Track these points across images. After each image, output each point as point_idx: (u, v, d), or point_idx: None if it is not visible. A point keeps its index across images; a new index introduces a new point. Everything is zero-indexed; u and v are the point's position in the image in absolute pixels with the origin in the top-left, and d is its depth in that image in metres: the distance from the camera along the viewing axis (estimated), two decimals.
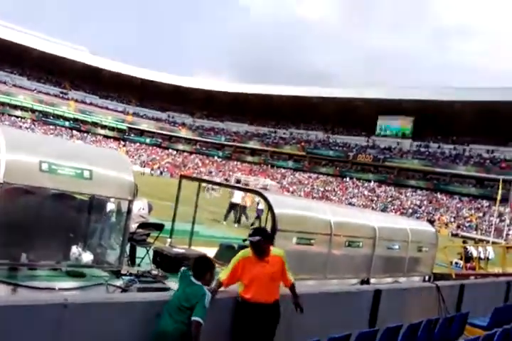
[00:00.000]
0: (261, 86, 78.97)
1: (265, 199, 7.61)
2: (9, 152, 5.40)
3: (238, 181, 22.94)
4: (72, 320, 3.88)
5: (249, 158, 79.50)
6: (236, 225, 18.87)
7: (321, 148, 75.52)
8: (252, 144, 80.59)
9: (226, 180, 56.46)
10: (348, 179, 68.50)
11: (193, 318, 4.22)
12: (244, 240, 5.15)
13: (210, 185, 30.10)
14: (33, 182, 5.68)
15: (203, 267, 4.67)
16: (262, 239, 4.90)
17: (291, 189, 66.31)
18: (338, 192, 65.18)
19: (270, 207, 7.39)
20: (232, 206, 19.35)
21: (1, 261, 5.50)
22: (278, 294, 5.01)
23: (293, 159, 76.59)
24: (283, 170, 74.42)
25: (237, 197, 18.99)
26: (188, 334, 4.20)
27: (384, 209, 54.88)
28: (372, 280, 9.15)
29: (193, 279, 4.55)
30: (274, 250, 5.10)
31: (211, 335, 4.52)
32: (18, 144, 5.73)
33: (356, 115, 70.92)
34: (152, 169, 66.54)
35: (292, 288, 5.16)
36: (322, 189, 66.31)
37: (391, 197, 61.86)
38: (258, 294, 4.88)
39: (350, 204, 55.78)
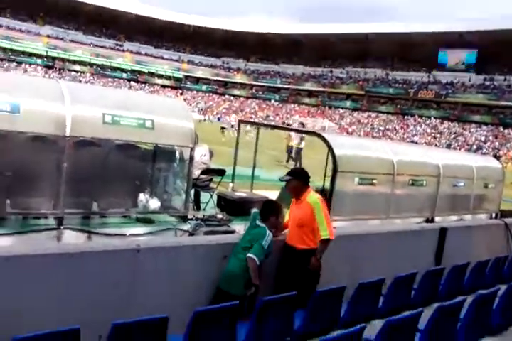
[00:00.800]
0: (315, 25, 76.45)
1: (324, 140, 7.52)
2: (73, 106, 5.54)
3: (302, 124, 22.46)
4: (144, 263, 4.12)
5: (306, 100, 78.36)
6: (287, 164, 18.86)
7: (380, 85, 73.19)
8: (309, 86, 79.10)
9: (283, 123, 56.50)
10: (409, 117, 66.56)
11: (247, 255, 4.43)
12: (280, 179, 5.10)
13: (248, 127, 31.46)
14: (97, 134, 5.84)
15: (267, 210, 4.80)
16: (292, 179, 4.88)
17: (350, 129, 65.32)
18: (400, 130, 63.66)
19: (330, 149, 7.31)
20: (291, 149, 19.36)
21: (74, 211, 5.79)
22: (307, 242, 4.79)
23: (351, 99, 74.87)
24: (341, 111, 73.10)
25: (296, 140, 18.96)
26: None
27: (448, 147, 53.33)
28: (436, 219, 9.03)
29: (258, 221, 4.71)
30: (310, 196, 4.89)
31: (270, 276, 4.67)
32: (81, 98, 5.83)
33: (416, 50, 67.58)
34: (208, 115, 66.80)
35: (321, 243, 4.76)
36: (382, 128, 64.94)
37: (455, 133, 59.88)
38: (288, 237, 4.93)
39: (412, 142, 54.50)
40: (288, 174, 4.94)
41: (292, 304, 3.81)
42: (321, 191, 7.93)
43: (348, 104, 74.41)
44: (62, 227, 5.50)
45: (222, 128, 37.11)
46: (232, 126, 38.78)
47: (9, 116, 5.21)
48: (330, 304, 4.11)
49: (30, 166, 5.55)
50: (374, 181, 7.96)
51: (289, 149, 19.50)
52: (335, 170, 7.05)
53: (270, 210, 4.78)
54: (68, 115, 5.47)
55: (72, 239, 5.45)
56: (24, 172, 5.50)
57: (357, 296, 4.29)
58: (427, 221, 8.85)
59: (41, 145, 5.70)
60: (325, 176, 8.49)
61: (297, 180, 4.88)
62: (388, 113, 69.19)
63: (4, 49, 69.25)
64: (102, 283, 3.95)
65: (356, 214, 7.38)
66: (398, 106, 69.31)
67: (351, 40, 71.40)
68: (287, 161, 19.22)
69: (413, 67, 71.90)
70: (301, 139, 18.88)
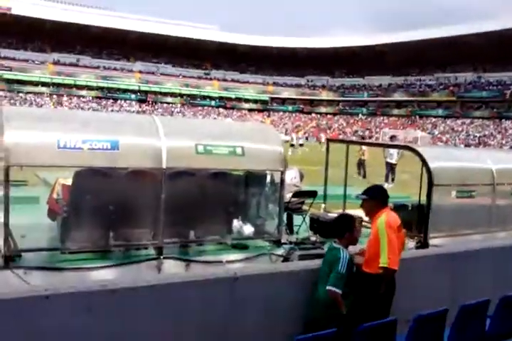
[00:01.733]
0: (397, 34, 74.65)
1: (417, 153, 7.31)
2: (168, 139, 5.85)
3: (394, 137, 21.29)
4: (241, 291, 4.23)
5: (396, 111, 76.47)
6: (390, 185, 17.94)
7: (473, 90, 69.97)
8: (397, 96, 77.17)
9: (370, 137, 55.49)
10: (506, 120, 62.89)
11: (327, 287, 4.23)
12: (356, 197, 4.88)
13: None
14: (191, 164, 6.14)
15: (340, 227, 4.53)
16: (367, 198, 4.64)
17: (444, 138, 62.77)
18: (497, 135, 60.24)
19: (424, 162, 7.10)
20: (389, 165, 18.12)
21: (173, 240, 6.08)
22: (373, 267, 4.44)
23: (442, 106, 72.13)
24: (433, 119, 70.53)
25: (394, 155, 17.70)
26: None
27: None
28: None
29: (333, 243, 4.50)
30: (381, 217, 4.53)
31: None
32: (174, 131, 6.18)
33: (509, 48, 63.68)
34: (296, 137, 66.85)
35: (381, 273, 4.37)
36: (478, 134, 61.79)
37: None
38: (364, 259, 4.62)
39: (511, 148, 51.38)
40: (364, 192, 4.73)
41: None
42: (418, 207, 7.72)
43: (440, 111, 71.74)
44: (162, 257, 5.77)
45: (292, 145, 36.84)
46: (301, 145, 41.07)
47: (109, 153, 5.57)
48: (431, 329, 3.90)
49: (130, 199, 5.87)
50: (473, 193, 7.63)
51: (360, 162, 18.87)
52: (430, 184, 6.84)
53: (344, 226, 4.52)
54: (163, 148, 5.78)
55: (172, 268, 5.70)
56: (125, 206, 5.82)
57: (461, 320, 4.06)
58: None
59: (140, 179, 6.03)
60: (420, 190, 8.27)
61: (372, 200, 4.65)
62: (483, 118, 65.81)
63: (102, 88, 74.01)
64: (202, 311, 4.08)
65: (456, 230, 7.09)
66: (494, 110, 65.80)
67: (437, 44, 68.73)
68: (386, 180, 18.13)
69: (507, 66, 67.92)
70: (399, 154, 17.91)
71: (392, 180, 18.15)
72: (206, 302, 4.09)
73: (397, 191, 13.63)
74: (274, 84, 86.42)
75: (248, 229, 6.59)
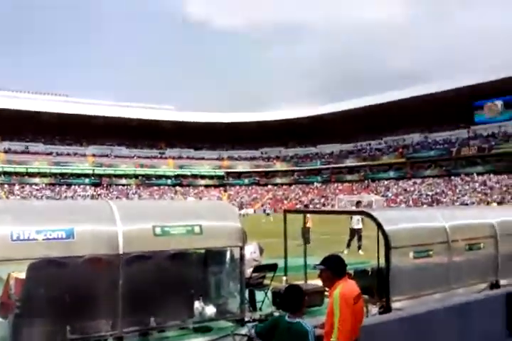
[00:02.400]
0: (344, 102, 77.98)
1: (372, 218, 7.45)
2: (124, 223, 5.85)
3: (360, 202, 21.13)
4: None
5: (349, 177, 78.40)
6: (361, 252, 17.22)
7: (421, 150, 72.91)
8: (349, 162, 79.48)
9: (323, 205, 56.71)
10: (455, 177, 65.32)
11: None
12: (314, 267, 4.76)
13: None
14: (149, 247, 6.09)
15: (298, 297, 4.28)
16: (324, 268, 4.49)
17: (397, 199, 64.29)
18: (448, 192, 62.22)
19: (379, 226, 7.24)
20: (353, 232, 17.76)
21: (133, 328, 5.87)
22: (332, 337, 4.19)
23: (393, 168, 74.52)
24: (385, 182, 72.49)
25: (356, 221, 17.46)
26: None
27: (501, 202, 51.35)
28: (502, 282, 8.64)
29: (287, 318, 4.18)
30: (337, 288, 4.36)
31: None
32: (130, 214, 6.18)
33: (450, 107, 66.91)
34: (254, 210, 67.35)
35: None
36: (430, 193, 63.64)
37: (505, 186, 57.96)
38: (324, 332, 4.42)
39: (462, 204, 52.95)
40: (321, 262, 4.55)
41: None
42: (377, 271, 7.78)
43: (392, 173, 74.00)
44: None
45: (268, 214, 50.40)
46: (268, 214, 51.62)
47: (65, 242, 5.50)
48: None
49: (87, 289, 5.73)
50: (430, 252, 7.77)
51: (352, 232, 18.35)
52: (388, 247, 6.96)
53: (299, 298, 4.27)
54: (120, 233, 5.76)
55: None
56: (82, 296, 5.66)
57: None
58: (492, 286, 8.45)
59: (96, 266, 5.92)
60: (378, 254, 8.40)
61: (328, 270, 4.48)
62: (434, 176, 68.15)
63: (56, 174, 73.30)
64: None
65: (417, 291, 7.16)
66: (443, 168, 68.35)
67: (382, 109, 71.69)
68: (347, 246, 17.79)
69: (451, 125, 71.27)
70: (360, 220, 17.79)
71: (359, 247, 17.77)
72: None
73: (358, 256, 13.75)
74: (229, 158, 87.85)
75: (210, 310, 6.48)
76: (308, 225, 17.84)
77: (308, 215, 17.71)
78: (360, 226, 17.69)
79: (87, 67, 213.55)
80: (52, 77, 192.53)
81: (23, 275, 5.95)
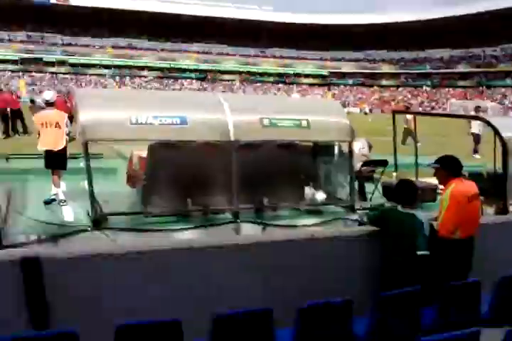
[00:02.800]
0: (455, 8, 70.62)
1: (488, 123, 7.02)
2: (233, 114, 6.03)
3: (478, 108, 19.92)
4: (320, 249, 4.31)
5: (461, 83, 73.42)
6: (477, 156, 16.97)
7: None
8: (461, 68, 74.06)
9: (432, 108, 54.63)
10: None
11: (420, 253, 4.10)
12: (428, 165, 4.74)
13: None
14: (258, 137, 6.25)
15: (411, 190, 4.38)
16: (439, 167, 4.54)
17: None
18: None
19: (496, 132, 6.81)
20: (474, 136, 17.11)
21: (248, 206, 6.29)
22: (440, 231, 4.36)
23: (511, 76, 68.59)
24: (502, 90, 67.28)
25: (475, 127, 16.77)
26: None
27: None
28: None
29: (401, 209, 4.28)
30: (449, 187, 4.41)
31: None
32: (239, 106, 6.35)
33: None
34: (361, 109, 65.84)
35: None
36: None
37: None
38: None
39: None
40: (436, 161, 4.60)
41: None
42: (494, 175, 7.53)
43: (509, 81, 68.20)
44: (239, 221, 5.97)
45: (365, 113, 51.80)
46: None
47: (179, 128, 5.75)
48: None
49: (204, 169, 6.13)
50: None
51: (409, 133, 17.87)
52: (505, 154, 6.59)
53: (413, 190, 4.41)
54: (230, 122, 5.96)
55: (249, 231, 5.92)
56: (199, 175, 6.10)
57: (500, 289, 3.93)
58: None
59: (210, 151, 6.21)
60: (495, 159, 7.97)
61: (443, 169, 4.54)
62: None
63: (162, 69, 75.40)
64: (282, 269, 4.17)
65: None
66: None
67: (500, 16, 64.45)
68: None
69: None
70: (481, 125, 16.99)
71: (475, 151, 17.29)
72: (285, 261, 4.17)
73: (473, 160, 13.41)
74: (332, 59, 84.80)
75: (320, 196, 6.71)
76: (407, 126, 17.37)
77: (408, 117, 17.12)
78: (478, 131, 17.05)
79: None
80: None
81: (144, 154, 6.50)
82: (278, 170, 6.49)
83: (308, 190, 6.68)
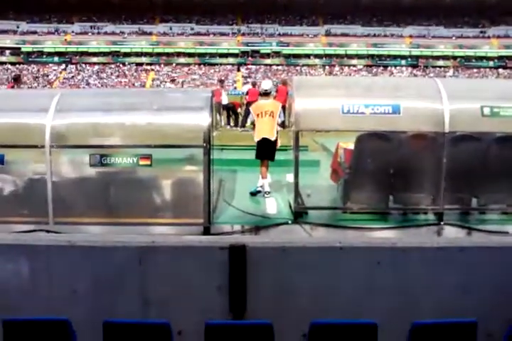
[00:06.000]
0: None
1: None
2: (451, 102, 5.73)
3: None
4: None
5: None
6: None
7: None
8: None
9: None
10: None
11: None
12: None
13: None
14: (476, 128, 5.88)
15: None
16: None
17: None
18: None
19: None
20: None
21: (454, 206, 5.96)
22: None
23: None
24: None
25: None
26: None
27: None
28: None
29: None
30: None
31: None
32: (457, 93, 6.02)
33: None
34: None
35: None
36: None
37: None
38: None
39: None
40: None
41: None
42: None
43: None
44: (442, 223, 5.69)
45: None
46: None
47: (391, 117, 5.68)
48: None
49: (411, 163, 5.96)
50: None
51: None
52: None
53: None
54: (446, 111, 5.67)
55: (452, 234, 5.63)
56: (405, 170, 5.94)
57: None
58: None
59: (421, 143, 6.03)
60: None
61: None
62: None
63: (373, 56, 74.27)
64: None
65: None
66: None
67: None
68: None
69: None
70: None
71: None
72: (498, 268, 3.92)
73: None
74: None
75: None
76: None
77: None
78: None
79: None
80: None
81: (350, 146, 6.45)
82: (493, 167, 6.04)
83: None
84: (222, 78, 38.32)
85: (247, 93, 16.67)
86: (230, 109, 17.54)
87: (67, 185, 5.93)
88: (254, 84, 18.48)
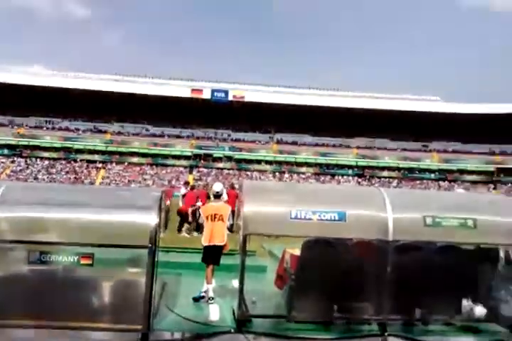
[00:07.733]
0: None
1: None
2: (395, 211, 5.90)
3: None
4: None
5: None
6: None
7: None
8: None
9: None
10: None
11: None
12: None
13: None
14: (418, 237, 6.01)
15: None
16: None
17: None
18: None
19: None
20: None
21: (397, 317, 5.89)
22: None
23: None
24: None
25: None
26: None
27: None
28: None
29: None
30: None
31: None
32: (401, 202, 6.20)
33: None
34: None
35: None
36: None
37: None
38: None
39: None
40: None
41: None
42: None
43: None
44: (386, 334, 5.61)
45: None
46: None
47: (337, 224, 5.77)
48: None
49: (355, 271, 5.94)
50: None
51: None
52: None
53: None
54: (390, 220, 5.82)
55: None
56: (350, 278, 5.90)
57: None
58: None
59: (365, 250, 6.07)
60: None
61: None
62: None
63: (321, 164, 77.28)
64: None
65: None
66: None
67: None
68: None
69: None
70: None
71: None
72: None
73: None
74: (502, 153, 79.73)
75: (480, 311, 6.03)
76: None
77: None
78: None
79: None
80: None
81: (296, 252, 6.44)
82: (434, 276, 6.08)
83: (465, 303, 6.07)
84: (187, 180, 38.05)
85: (184, 196, 15.74)
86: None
87: (1, 282, 5.59)
88: (192, 188, 16.87)
